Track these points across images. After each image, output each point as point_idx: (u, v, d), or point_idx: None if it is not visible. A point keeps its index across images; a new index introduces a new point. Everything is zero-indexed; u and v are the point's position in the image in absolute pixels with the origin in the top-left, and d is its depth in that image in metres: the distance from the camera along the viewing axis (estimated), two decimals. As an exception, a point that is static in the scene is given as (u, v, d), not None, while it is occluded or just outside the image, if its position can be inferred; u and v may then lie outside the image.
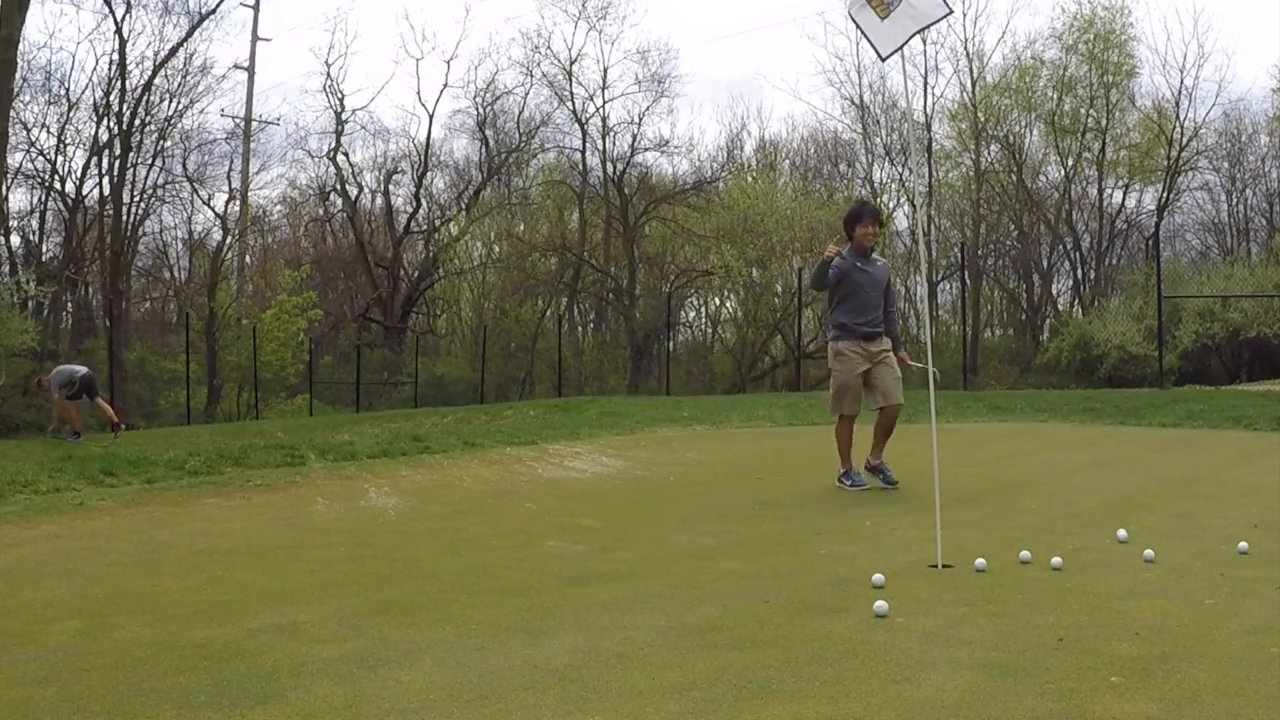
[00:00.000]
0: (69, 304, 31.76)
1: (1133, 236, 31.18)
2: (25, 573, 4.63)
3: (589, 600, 3.98)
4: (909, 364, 7.22)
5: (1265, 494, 6.40)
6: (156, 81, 29.12)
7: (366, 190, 36.07)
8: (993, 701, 2.77)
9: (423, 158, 34.87)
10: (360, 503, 6.62)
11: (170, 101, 29.96)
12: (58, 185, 30.05)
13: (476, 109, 34.52)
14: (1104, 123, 29.06)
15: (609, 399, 18.75)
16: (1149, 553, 4.52)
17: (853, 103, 32.55)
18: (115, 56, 28.81)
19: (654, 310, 30.33)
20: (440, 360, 34.65)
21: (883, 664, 3.11)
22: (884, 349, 7.04)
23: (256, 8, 35.01)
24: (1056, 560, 4.43)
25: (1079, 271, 31.13)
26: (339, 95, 34.14)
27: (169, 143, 30.30)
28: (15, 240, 30.31)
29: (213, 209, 36.68)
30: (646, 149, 32.91)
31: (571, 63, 32.87)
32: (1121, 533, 4.96)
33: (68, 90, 29.94)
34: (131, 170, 29.55)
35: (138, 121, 29.11)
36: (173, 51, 29.22)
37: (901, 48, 4.98)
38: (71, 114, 29.63)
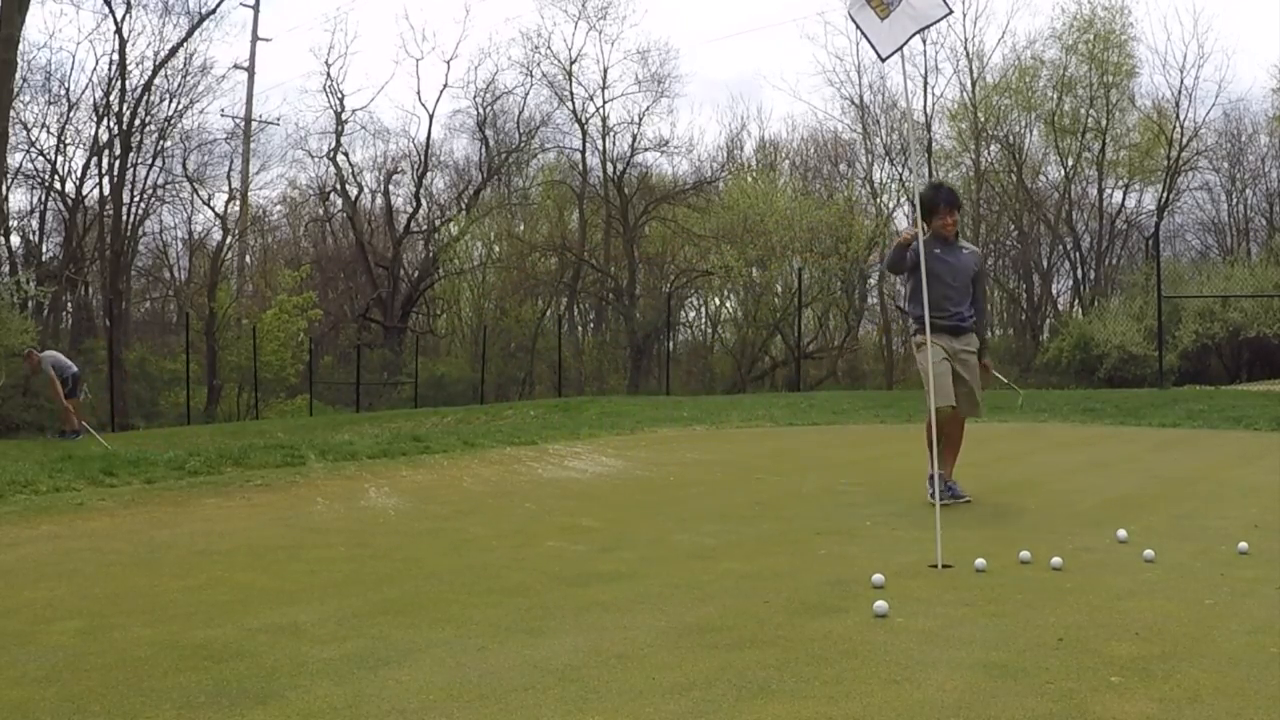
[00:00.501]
0: (69, 304, 31.73)
1: (1133, 236, 31.22)
2: (25, 573, 4.63)
3: (589, 600, 3.98)
4: (993, 374, 6.51)
5: (1265, 494, 6.40)
6: (156, 81, 29.11)
7: (366, 190, 36.11)
8: (993, 701, 2.77)
9: (423, 158, 34.89)
10: (360, 503, 6.62)
11: (170, 101, 29.95)
12: (58, 185, 30.05)
13: (476, 109, 34.55)
14: (1104, 123, 29.05)
15: (609, 399, 18.74)
16: (1149, 553, 4.52)
17: (853, 103, 32.53)
18: (115, 56, 28.80)
19: (654, 310, 30.34)
20: (440, 360, 34.59)
21: (883, 664, 3.11)
22: (968, 348, 6.29)
23: (256, 8, 35.06)
24: (1056, 560, 4.43)
25: (1079, 271, 31.16)
26: (339, 95, 34.15)
27: (169, 143, 30.30)
28: (15, 240, 30.30)
29: (213, 209, 36.62)
30: (646, 149, 32.95)
31: (571, 63, 32.90)
32: (1121, 533, 4.96)
33: (68, 90, 29.97)
34: (131, 170, 29.53)
35: (138, 121, 29.09)
36: (173, 51, 29.21)
37: (901, 48, 4.99)
38: (71, 114, 29.65)
